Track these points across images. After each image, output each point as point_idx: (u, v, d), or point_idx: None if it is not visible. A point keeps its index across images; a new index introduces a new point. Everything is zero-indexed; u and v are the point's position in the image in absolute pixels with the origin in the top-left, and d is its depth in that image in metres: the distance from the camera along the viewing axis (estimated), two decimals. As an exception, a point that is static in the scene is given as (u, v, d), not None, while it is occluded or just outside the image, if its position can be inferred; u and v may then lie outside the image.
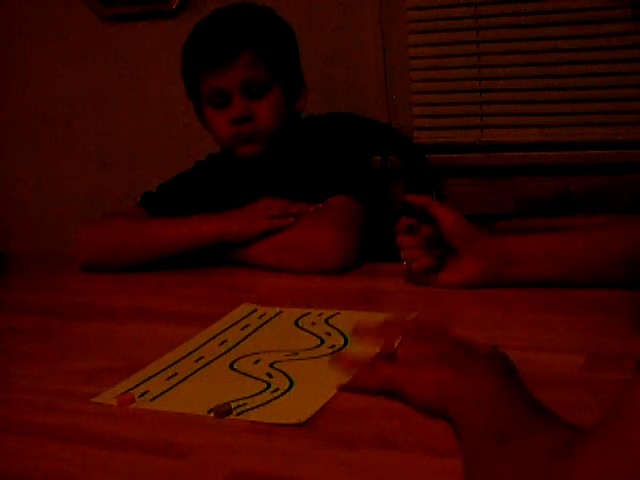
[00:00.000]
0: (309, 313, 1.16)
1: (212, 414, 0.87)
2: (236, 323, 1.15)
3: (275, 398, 0.89)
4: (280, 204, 1.42)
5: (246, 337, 1.09)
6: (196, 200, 1.56)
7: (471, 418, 0.72)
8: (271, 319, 1.15)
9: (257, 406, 0.88)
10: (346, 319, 1.12)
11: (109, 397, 0.94)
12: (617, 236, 1.09)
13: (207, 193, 1.59)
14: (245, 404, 0.88)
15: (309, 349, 1.03)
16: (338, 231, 1.34)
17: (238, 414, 0.86)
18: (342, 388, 0.88)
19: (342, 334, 1.06)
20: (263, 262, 1.40)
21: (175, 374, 0.99)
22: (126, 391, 0.95)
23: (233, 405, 0.87)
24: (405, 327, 0.91)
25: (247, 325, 1.13)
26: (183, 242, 1.43)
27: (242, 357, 1.02)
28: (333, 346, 1.03)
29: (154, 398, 0.93)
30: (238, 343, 1.07)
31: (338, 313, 1.14)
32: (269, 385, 0.93)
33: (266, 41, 1.52)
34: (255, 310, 1.19)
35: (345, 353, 0.99)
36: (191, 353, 1.05)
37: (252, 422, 0.84)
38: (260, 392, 0.91)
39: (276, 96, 1.52)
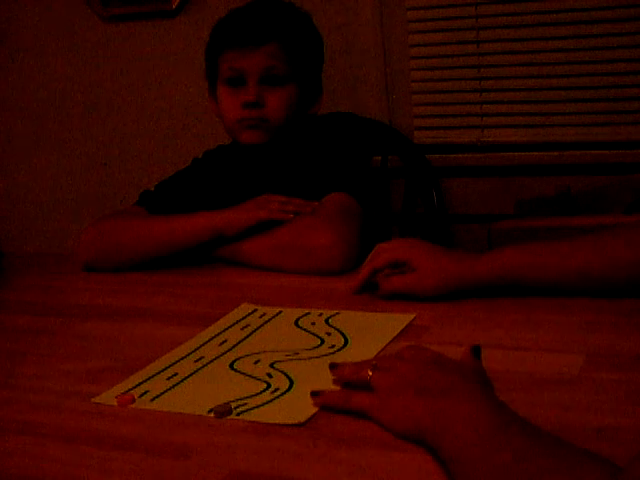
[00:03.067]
0: (309, 313, 1.16)
1: (212, 414, 0.87)
2: (236, 323, 1.15)
3: (275, 398, 0.89)
4: (279, 199, 1.43)
5: (246, 337, 1.09)
6: (195, 197, 1.57)
7: (462, 450, 0.69)
8: (271, 319, 1.15)
9: (257, 406, 0.88)
10: (346, 319, 1.12)
11: (109, 397, 0.94)
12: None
13: (205, 190, 1.59)
14: (245, 404, 0.88)
15: (309, 349, 1.03)
16: (338, 232, 1.34)
17: (238, 414, 0.86)
18: (316, 404, 0.86)
19: (342, 334, 1.06)
20: (262, 263, 1.40)
21: (175, 374, 0.99)
22: (126, 391, 0.95)
23: (233, 405, 0.87)
24: (379, 356, 0.88)
25: (247, 325, 1.13)
26: (182, 236, 1.43)
27: (242, 357, 1.02)
28: (333, 346, 1.03)
29: (154, 398, 0.93)
30: (238, 343, 1.07)
31: (338, 313, 1.14)
32: (269, 385, 0.93)
33: (293, 39, 1.56)
34: (255, 310, 1.19)
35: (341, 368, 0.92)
36: (191, 353, 1.05)
37: (252, 422, 0.84)
38: (260, 392, 0.91)
39: (290, 92, 1.54)
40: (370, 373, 0.84)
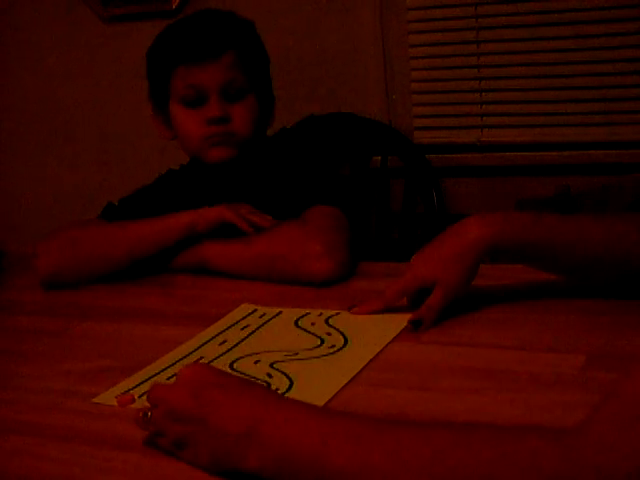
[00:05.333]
0: (309, 313, 1.16)
1: (212, 414, 0.87)
2: (236, 323, 1.15)
3: (275, 398, 0.89)
4: (250, 208, 1.41)
5: (246, 337, 1.09)
6: (159, 212, 1.47)
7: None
8: (271, 319, 1.15)
9: (257, 406, 0.87)
10: (346, 319, 1.12)
11: (109, 397, 0.94)
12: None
13: (170, 206, 1.49)
14: (245, 404, 0.88)
15: (309, 349, 1.03)
16: (329, 242, 1.29)
17: (238, 414, 0.86)
18: None
19: (342, 334, 1.06)
20: (248, 272, 1.35)
21: (175, 374, 0.98)
22: (126, 391, 0.95)
23: (233, 405, 0.87)
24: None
25: (247, 325, 1.13)
26: (153, 237, 1.39)
27: (242, 357, 1.02)
28: (333, 346, 1.03)
29: (154, 398, 0.93)
30: (238, 343, 1.07)
31: (338, 313, 1.14)
32: (269, 385, 0.93)
33: (248, 47, 1.49)
34: (255, 310, 1.19)
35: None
36: (191, 353, 1.05)
37: (252, 422, 0.84)
38: (260, 392, 0.91)
39: (252, 103, 1.47)
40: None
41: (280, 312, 1.17)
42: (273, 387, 0.92)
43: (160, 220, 1.41)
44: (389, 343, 1.02)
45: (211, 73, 1.43)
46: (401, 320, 1.08)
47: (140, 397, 0.93)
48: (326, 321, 1.12)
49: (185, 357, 1.04)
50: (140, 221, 1.42)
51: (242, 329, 1.12)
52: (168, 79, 1.47)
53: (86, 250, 1.42)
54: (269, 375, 0.95)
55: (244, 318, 1.16)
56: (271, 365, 0.98)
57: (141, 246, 1.40)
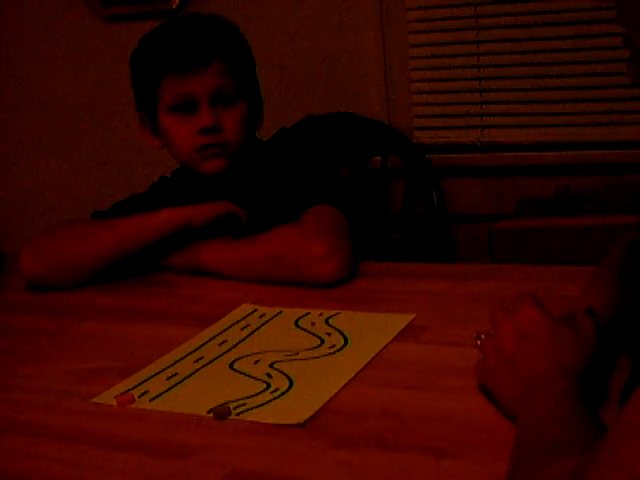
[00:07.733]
0: (309, 313, 1.16)
1: (211, 414, 0.87)
2: (236, 323, 1.15)
3: (275, 398, 0.89)
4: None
5: (246, 337, 1.09)
6: None
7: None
8: (271, 319, 1.15)
9: (257, 406, 0.88)
10: (346, 319, 1.12)
11: (109, 397, 0.94)
12: None
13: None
14: (245, 404, 0.88)
15: (309, 349, 1.03)
16: (331, 242, 1.27)
17: (238, 414, 0.86)
18: None
19: (342, 334, 1.06)
20: (247, 275, 1.33)
21: (175, 374, 0.99)
22: (126, 391, 0.95)
23: (233, 405, 0.87)
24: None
25: (247, 325, 1.13)
26: (146, 231, 1.37)
27: (242, 357, 1.02)
28: (333, 346, 1.03)
29: (154, 398, 0.93)
30: (238, 343, 1.07)
31: (338, 313, 1.14)
32: (269, 385, 0.93)
33: (236, 53, 1.45)
34: (255, 310, 1.19)
35: None
36: (191, 353, 1.05)
37: (252, 422, 0.85)
38: (260, 392, 0.91)
39: (242, 109, 1.44)
40: (478, 341, 0.87)
41: (280, 312, 1.17)
42: (273, 387, 0.92)
43: (154, 214, 1.39)
44: (389, 343, 1.02)
45: (201, 81, 1.39)
46: (401, 320, 1.08)
47: (140, 397, 0.93)
48: (326, 321, 1.12)
49: (185, 357, 1.04)
50: (133, 216, 1.40)
51: (242, 329, 1.12)
52: (156, 88, 1.44)
53: (70, 247, 1.40)
54: (269, 375, 0.95)
55: (244, 318, 1.16)
56: (271, 365, 0.98)
57: (134, 241, 1.38)
